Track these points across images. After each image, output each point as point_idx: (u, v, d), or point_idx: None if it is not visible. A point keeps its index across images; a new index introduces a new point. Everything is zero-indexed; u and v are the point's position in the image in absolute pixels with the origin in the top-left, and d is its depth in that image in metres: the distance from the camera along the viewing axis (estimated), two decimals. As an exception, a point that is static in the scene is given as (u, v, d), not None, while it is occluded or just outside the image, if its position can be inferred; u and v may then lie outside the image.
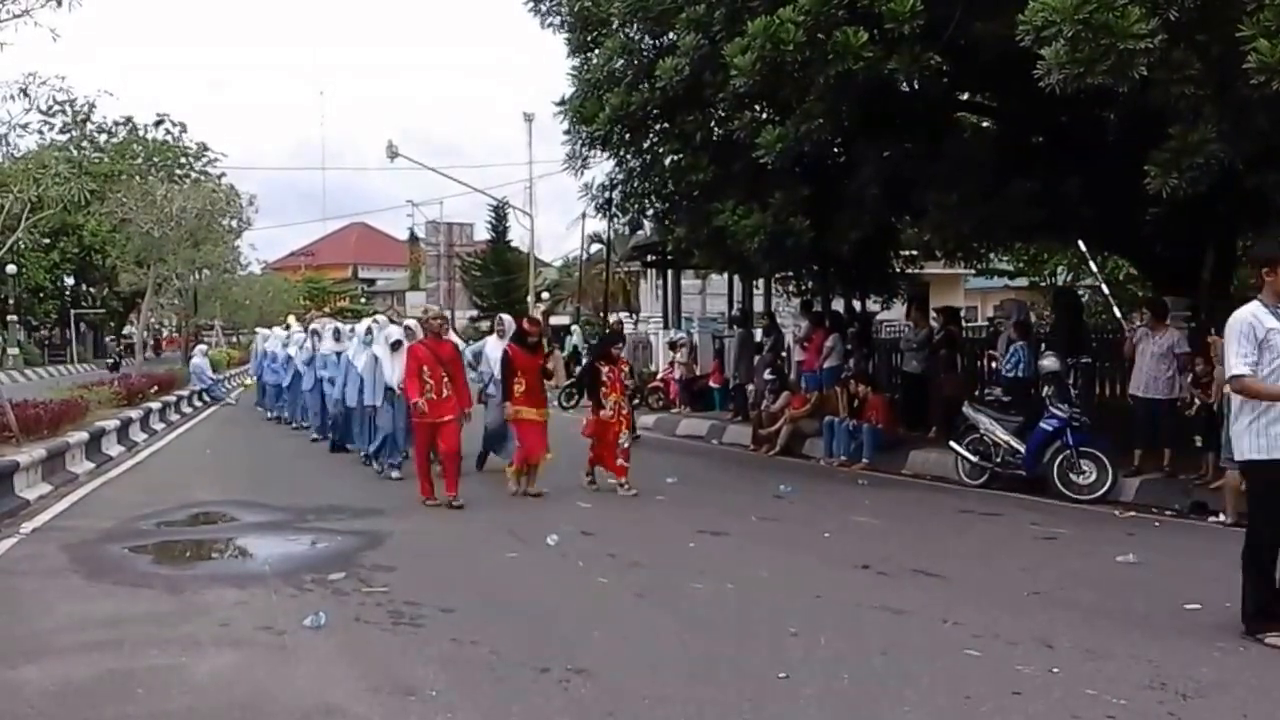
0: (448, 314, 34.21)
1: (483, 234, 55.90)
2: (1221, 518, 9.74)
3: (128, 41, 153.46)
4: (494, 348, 12.68)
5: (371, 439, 13.53)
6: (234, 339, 53.09)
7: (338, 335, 15.84)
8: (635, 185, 15.79)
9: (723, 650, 5.93)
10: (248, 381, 24.63)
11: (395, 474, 12.58)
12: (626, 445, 11.69)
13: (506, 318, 13.53)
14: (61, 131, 46.45)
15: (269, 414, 21.86)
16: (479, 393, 12.94)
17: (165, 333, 65.25)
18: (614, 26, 14.12)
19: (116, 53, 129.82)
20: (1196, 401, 10.96)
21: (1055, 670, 5.50)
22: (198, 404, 26.00)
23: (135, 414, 18.32)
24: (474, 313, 49.26)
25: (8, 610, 7.03)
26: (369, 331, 13.70)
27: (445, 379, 10.84)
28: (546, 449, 11.32)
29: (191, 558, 9.10)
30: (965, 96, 14.54)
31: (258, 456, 15.87)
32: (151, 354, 54.90)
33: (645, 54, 13.79)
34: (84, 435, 14.21)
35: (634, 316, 34.79)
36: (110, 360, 44.71)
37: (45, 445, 12.65)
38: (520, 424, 11.28)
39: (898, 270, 18.81)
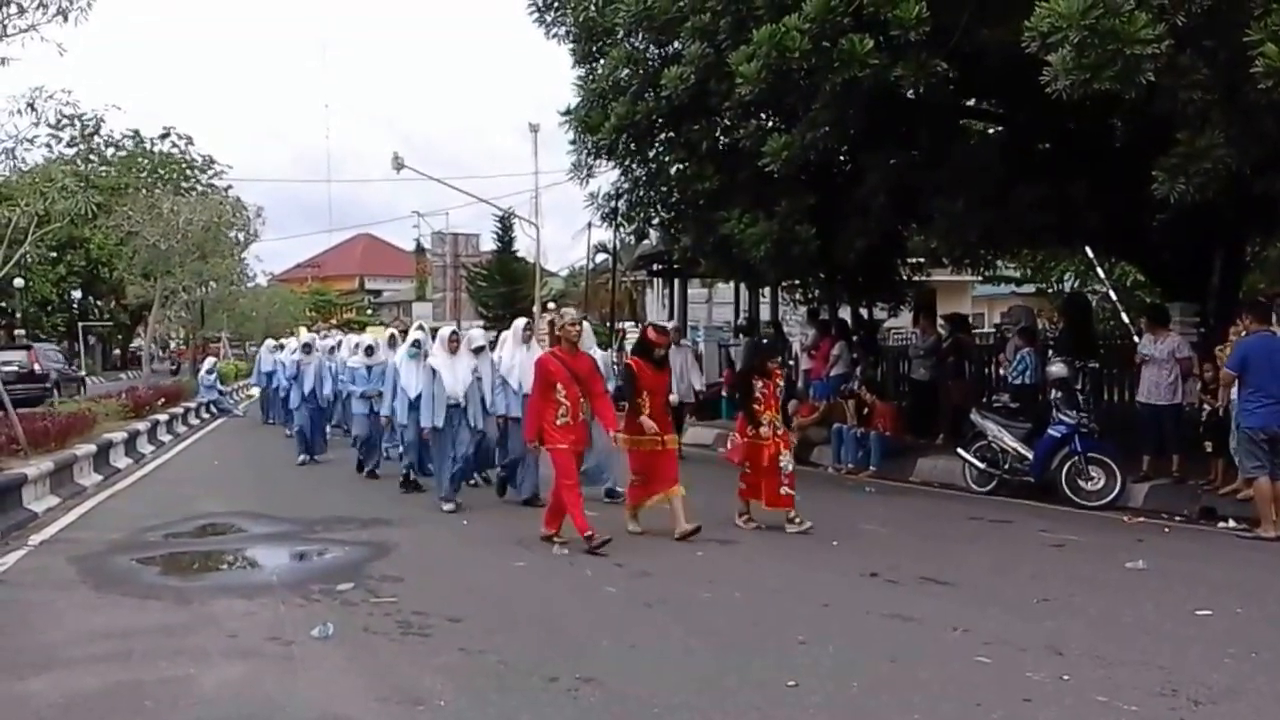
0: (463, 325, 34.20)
1: (488, 244, 55.98)
2: (1231, 524, 9.71)
3: (130, 54, 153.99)
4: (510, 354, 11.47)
5: (424, 460, 12.34)
6: (241, 351, 53.15)
7: (371, 351, 14.38)
8: (641, 194, 15.79)
9: (731, 658, 5.92)
10: (253, 393, 24.43)
11: (448, 506, 11.05)
12: (790, 469, 9.85)
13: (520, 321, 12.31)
14: (69, 145, 46.64)
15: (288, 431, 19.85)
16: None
17: (173, 344, 65.24)
18: (619, 36, 14.14)
19: (120, 65, 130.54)
20: (1206, 408, 10.94)
21: (1066, 677, 5.47)
22: (205, 416, 26.04)
23: (143, 426, 18.36)
24: (481, 323, 49.31)
25: (16, 622, 7.04)
26: (417, 345, 12.13)
27: (582, 399, 9.11)
28: (678, 481, 9.40)
29: (199, 569, 9.12)
30: (971, 103, 14.54)
31: (265, 468, 15.87)
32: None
33: (650, 63, 13.82)
34: (91, 448, 14.25)
35: (640, 326, 34.77)
36: (172, 366, 46.60)
37: (53, 458, 12.67)
38: (642, 453, 9.46)
39: (904, 278, 18.78)
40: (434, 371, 11.21)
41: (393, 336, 14.84)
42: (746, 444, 9.83)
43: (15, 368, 26.58)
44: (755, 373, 10.19)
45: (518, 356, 11.29)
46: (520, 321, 12.10)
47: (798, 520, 9.62)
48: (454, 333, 11.78)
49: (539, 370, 9.26)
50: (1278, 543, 9.05)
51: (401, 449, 12.86)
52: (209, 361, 29.87)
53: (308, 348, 17.16)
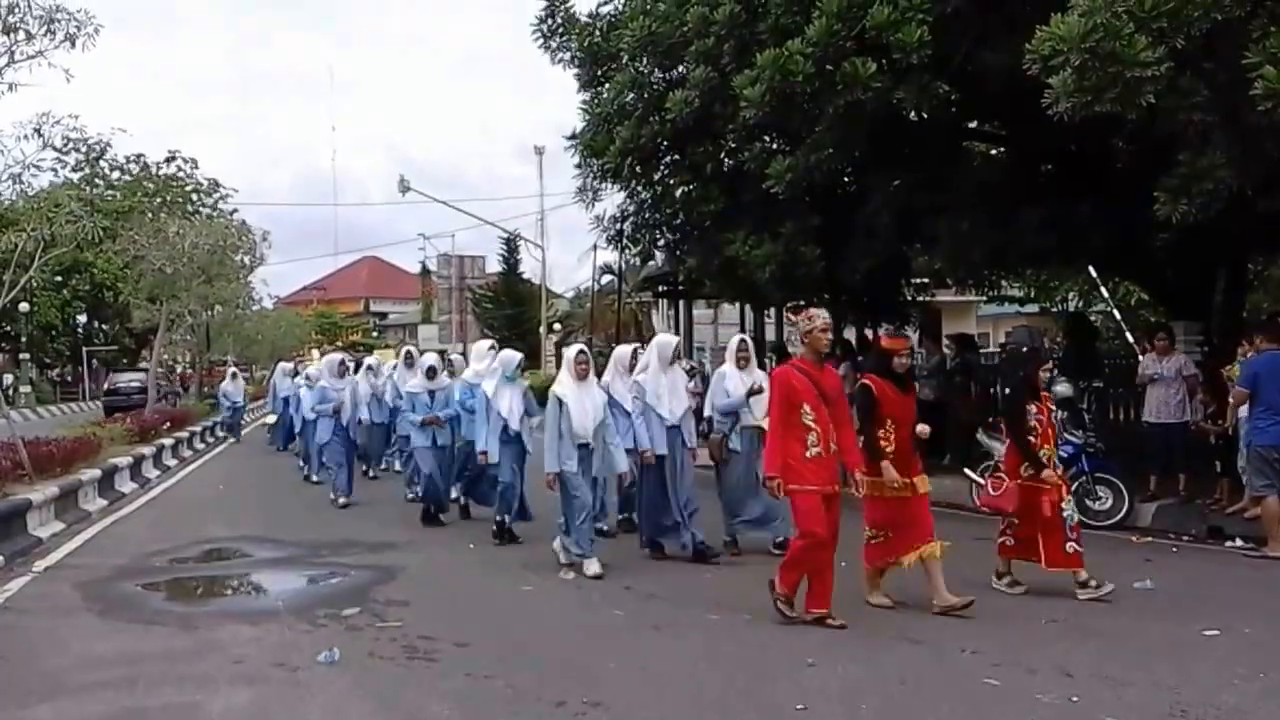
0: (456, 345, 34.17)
1: (494, 266, 56.18)
2: (1239, 543, 9.69)
3: (135, 75, 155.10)
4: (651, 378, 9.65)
5: (515, 507, 10.56)
6: (249, 374, 53.13)
7: (432, 373, 12.41)
8: (646, 216, 15.87)
9: (740, 681, 5.91)
10: (269, 419, 23.80)
11: (595, 568, 8.84)
12: (1076, 519, 7.91)
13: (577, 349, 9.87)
14: (74, 169, 46.87)
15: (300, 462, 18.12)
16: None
17: (179, 368, 65.25)
18: (624, 61, 14.25)
19: (123, 89, 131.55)
20: (1212, 428, 10.94)
21: (1075, 699, 5.46)
22: (210, 439, 26.01)
23: (148, 451, 18.34)
24: (487, 344, 49.34)
25: (21, 649, 7.04)
26: (521, 366, 10.66)
27: (831, 425, 7.10)
28: (933, 535, 7.45)
29: (205, 594, 9.12)
30: (974, 125, 14.61)
31: (270, 492, 15.85)
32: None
33: (655, 87, 13.90)
34: (97, 472, 14.24)
35: (645, 347, 34.86)
36: (174, 389, 46.30)
37: (58, 483, 12.65)
38: (885, 501, 7.45)
39: (909, 298, 18.84)
40: (560, 403, 9.06)
41: (409, 353, 14.34)
42: (1021, 488, 7.80)
43: (137, 384, 37.20)
44: (1026, 393, 8.00)
45: (664, 380, 9.74)
46: (667, 339, 10.41)
47: (1092, 584, 7.62)
48: (582, 352, 9.55)
49: (778, 387, 7.21)
50: None
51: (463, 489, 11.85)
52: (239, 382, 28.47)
53: (343, 370, 14.93)
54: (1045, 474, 7.69)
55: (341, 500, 13.58)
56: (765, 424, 8.70)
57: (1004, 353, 14.65)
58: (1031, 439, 7.79)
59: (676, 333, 27.20)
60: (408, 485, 13.72)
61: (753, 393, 9.37)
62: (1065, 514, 7.68)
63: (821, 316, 7.31)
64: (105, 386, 41.62)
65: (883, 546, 7.51)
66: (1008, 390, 8.16)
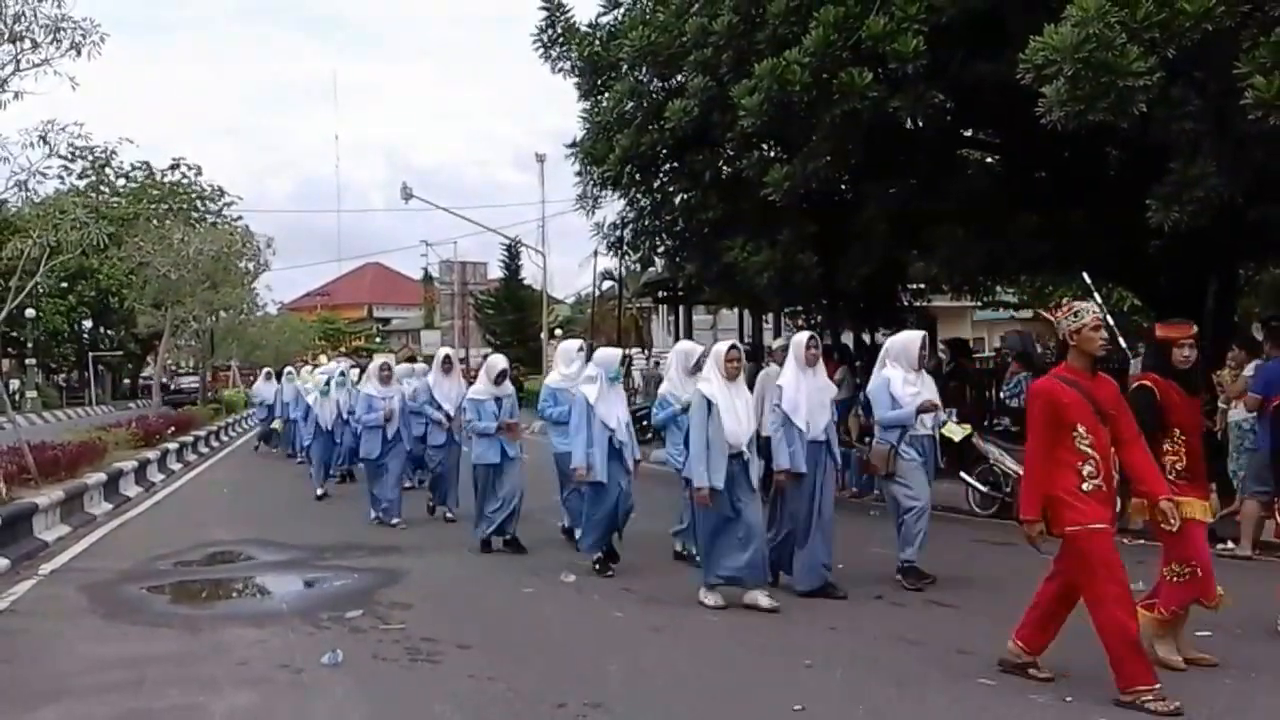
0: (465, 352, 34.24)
1: (496, 272, 56.30)
2: (1231, 546, 9.76)
3: (139, 82, 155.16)
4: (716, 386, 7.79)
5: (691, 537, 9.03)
6: (251, 379, 53.16)
7: (503, 376, 10.72)
8: (646, 223, 15.98)
9: (738, 683, 5.99)
10: (274, 426, 23.49)
11: (766, 601, 7.63)
12: None
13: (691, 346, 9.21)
14: (80, 177, 47.05)
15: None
16: None
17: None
18: (623, 70, 14.36)
19: (128, 95, 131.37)
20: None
21: (1069, 699, 5.53)
22: (215, 444, 26.02)
23: (153, 455, 18.40)
24: (487, 350, 49.33)
25: (26, 652, 7.12)
26: (625, 365, 9.70)
27: (1112, 449, 5.65)
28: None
29: (209, 597, 9.20)
30: (969, 133, 14.70)
31: (274, 495, 15.88)
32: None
33: (654, 96, 14.01)
34: (102, 476, 14.30)
35: (645, 352, 35.08)
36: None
37: (63, 487, 12.73)
38: (1187, 528, 6.01)
39: (906, 303, 18.94)
40: (709, 404, 7.69)
41: (446, 358, 12.96)
42: None
43: (194, 385, 45.31)
44: None
45: (804, 386, 8.20)
46: (801, 337, 8.60)
47: None
48: (734, 348, 8.01)
49: (1041, 405, 5.56)
50: (1253, 560, 9.22)
51: (567, 518, 10.32)
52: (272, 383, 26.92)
53: (386, 376, 12.97)
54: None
55: (394, 520, 12.15)
56: (935, 433, 8.76)
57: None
58: None
59: (676, 338, 27.30)
60: (434, 504, 12.85)
61: (924, 410, 8.49)
62: None
63: (1091, 311, 5.65)
64: (172, 387, 47.80)
65: (1187, 585, 6.06)
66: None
